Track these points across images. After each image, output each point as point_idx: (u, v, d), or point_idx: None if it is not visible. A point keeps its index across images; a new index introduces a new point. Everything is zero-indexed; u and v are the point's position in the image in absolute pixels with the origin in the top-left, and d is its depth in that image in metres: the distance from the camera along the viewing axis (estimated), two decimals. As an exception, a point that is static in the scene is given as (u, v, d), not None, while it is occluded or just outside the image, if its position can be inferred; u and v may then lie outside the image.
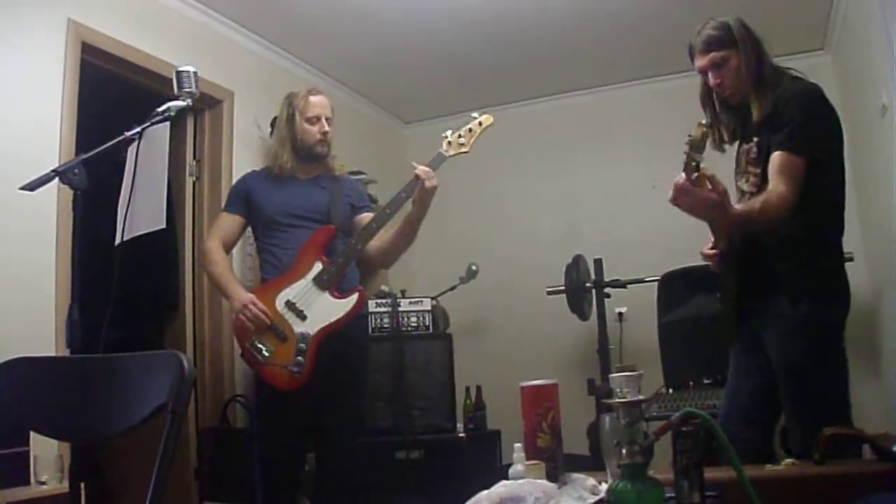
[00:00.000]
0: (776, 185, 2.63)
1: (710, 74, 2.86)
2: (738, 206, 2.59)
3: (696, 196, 2.41)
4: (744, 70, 2.78)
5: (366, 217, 3.68)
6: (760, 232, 2.71)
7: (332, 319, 3.47)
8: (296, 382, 3.41)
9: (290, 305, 3.48)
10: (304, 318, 3.47)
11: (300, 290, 3.50)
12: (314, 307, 3.48)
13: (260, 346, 3.46)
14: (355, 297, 3.51)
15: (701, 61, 2.86)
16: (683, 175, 2.39)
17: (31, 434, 2.85)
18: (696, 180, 2.38)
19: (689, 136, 2.30)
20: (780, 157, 2.65)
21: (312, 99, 3.72)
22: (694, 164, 2.32)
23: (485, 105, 5.52)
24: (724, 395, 3.11)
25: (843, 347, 2.73)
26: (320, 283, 3.49)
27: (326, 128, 3.70)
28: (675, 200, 2.44)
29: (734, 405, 2.92)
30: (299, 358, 3.41)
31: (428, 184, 3.40)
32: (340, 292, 3.51)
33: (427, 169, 3.42)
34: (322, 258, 3.54)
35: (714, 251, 2.91)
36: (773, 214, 2.59)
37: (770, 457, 2.79)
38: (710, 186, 2.43)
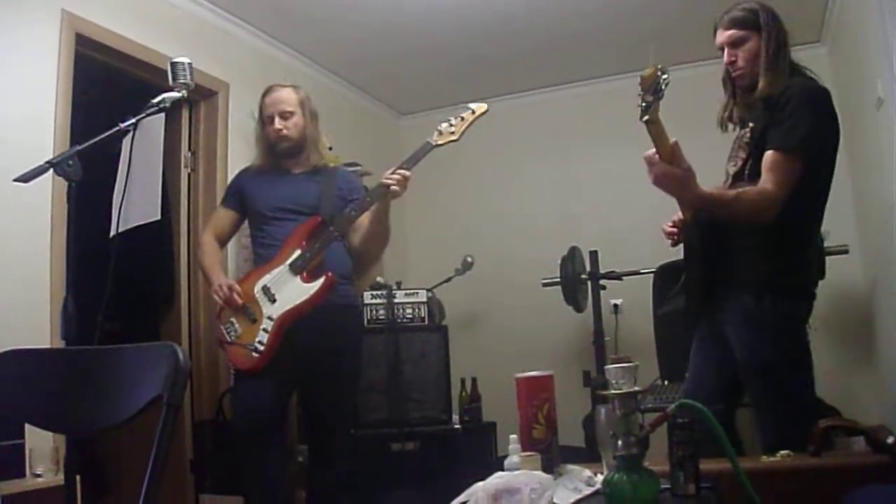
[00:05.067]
0: (763, 181, 2.62)
1: (725, 51, 2.86)
2: (708, 189, 2.58)
3: (660, 168, 2.42)
4: (762, 55, 2.77)
5: None
6: (729, 225, 2.71)
7: (297, 302, 3.48)
8: (254, 362, 3.45)
9: (265, 290, 3.53)
10: (274, 301, 3.50)
11: (276, 275, 3.53)
12: (284, 291, 3.50)
13: (230, 327, 3.54)
14: (321, 280, 3.49)
15: (720, 37, 2.88)
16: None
17: (27, 426, 2.85)
18: (650, 127, 2.35)
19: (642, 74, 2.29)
20: (773, 156, 2.63)
21: (267, 99, 3.76)
22: (644, 105, 2.30)
23: (480, 96, 5.49)
24: (684, 386, 3.10)
25: (808, 342, 2.74)
26: (294, 267, 3.51)
27: (278, 125, 3.69)
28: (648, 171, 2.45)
29: (693, 396, 2.92)
30: (260, 339, 3.45)
31: (401, 191, 3.43)
32: (311, 277, 3.51)
33: (396, 177, 3.42)
34: (302, 245, 3.55)
35: (673, 228, 2.91)
36: (747, 207, 2.59)
37: (735, 444, 2.81)
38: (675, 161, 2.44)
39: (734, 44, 2.83)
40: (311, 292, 3.48)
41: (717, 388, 2.85)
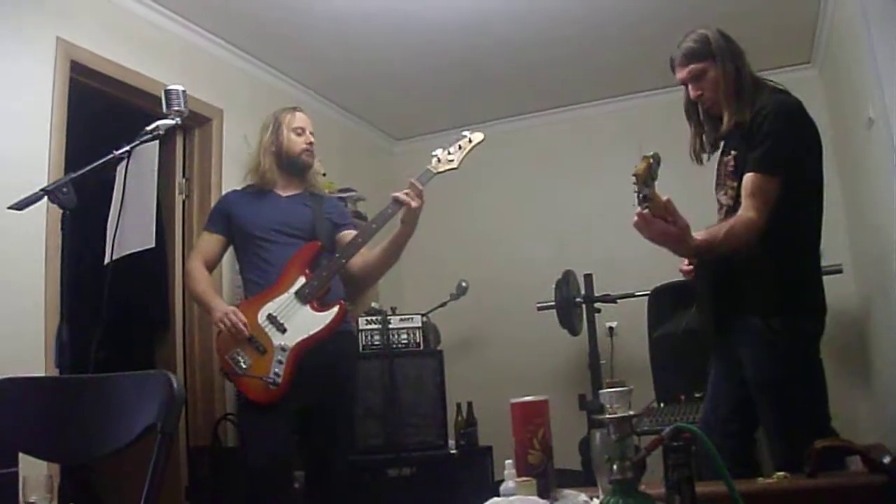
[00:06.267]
0: (745, 209, 2.63)
1: (689, 87, 2.88)
2: (699, 235, 2.56)
3: (654, 228, 2.41)
4: (722, 82, 2.78)
5: (348, 234, 3.68)
6: (735, 260, 2.71)
7: (312, 332, 3.46)
8: (271, 394, 3.40)
9: (271, 319, 3.48)
10: (283, 330, 3.46)
11: (282, 303, 3.49)
12: (294, 320, 3.47)
13: (238, 358, 3.45)
14: (335, 310, 3.49)
15: (680, 74, 2.88)
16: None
17: (20, 454, 2.83)
18: (650, 210, 2.36)
19: (635, 167, 2.29)
20: (752, 179, 2.65)
21: (298, 114, 3.79)
22: (641, 196, 2.31)
23: (474, 121, 5.57)
24: (702, 407, 3.11)
25: (819, 361, 2.72)
26: (302, 296, 3.49)
27: (311, 139, 3.74)
28: (638, 230, 2.44)
29: (712, 418, 2.93)
30: (276, 370, 3.40)
31: (414, 203, 3.41)
32: (322, 306, 3.51)
33: (409, 191, 3.42)
34: (305, 272, 3.53)
35: (689, 267, 2.93)
36: (737, 241, 2.60)
37: (753, 466, 2.80)
38: (671, 217, 2.42)
39: (695, 78, 2.84)
40: (327, 321, 3.48)
41: (733, 410, 2.85)
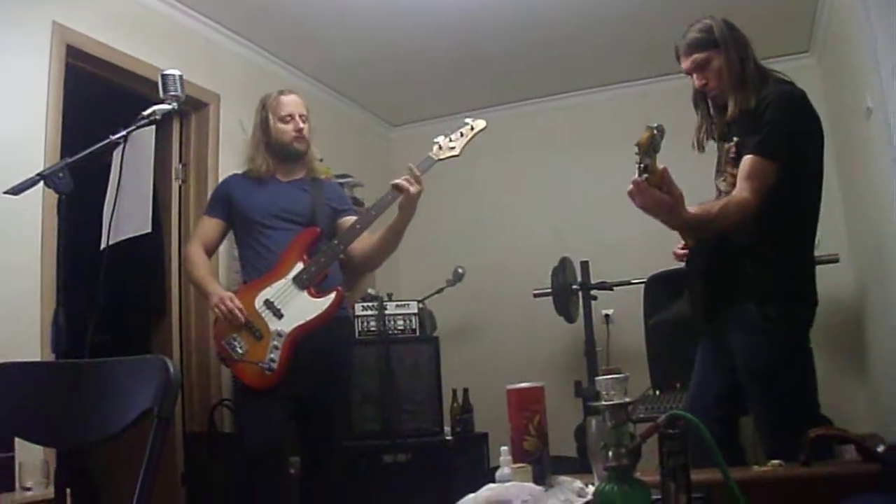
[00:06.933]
0: (740, 190, 2.64)
1: (694, 76, 2.88)
2: (693, 209, 2.56)
3: (649, 196, 2.40)
4: (726, 71, 2.79)
5: (349, 220, 3.67)
6: (727, 234, 2.71)
7: (309, 318, 3.46)
8: (267, 380, 3.40)
9: (268, 304, 3.47)
10: (280, 316, 3.46)
11: (279, 289, 3.49)
12: (291, 306, 3.46)
13: (234, 343, 3.44)
14: (332, 296, 3.49)
15: (685, 63, 2.89)
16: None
17: (16, 439, 2.83)
18: (648, 181, 2.36)
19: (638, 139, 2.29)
20: (750, 161, 2.65)
21: (284, 98, 3.71)
22: (642, 166, 2.31)
23: (472, 108, 5.57)
24: (688, 393, 3.12)
25: (810, 349, 2.75)
26: (299, 282, 3.48)
27: (300, 125, 3.68)
28: (631, 198, 2.43)
29: (697, 403, 2.94)
30: (272, 356, 3.40)
31: (413, 189, 3.40)
32: (319, 292, 3.50)
33: (408, 177, 3.40)
34: (304, 258, 3.53)
35: (685, 251, 2.93)
36: (730, 220, 2.61)
37: (737, 451, 2.82)
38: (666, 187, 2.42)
39: (700, 68, 2.85)
40: (324, 307, 3.48)
41: (719, 395, 2.87)
